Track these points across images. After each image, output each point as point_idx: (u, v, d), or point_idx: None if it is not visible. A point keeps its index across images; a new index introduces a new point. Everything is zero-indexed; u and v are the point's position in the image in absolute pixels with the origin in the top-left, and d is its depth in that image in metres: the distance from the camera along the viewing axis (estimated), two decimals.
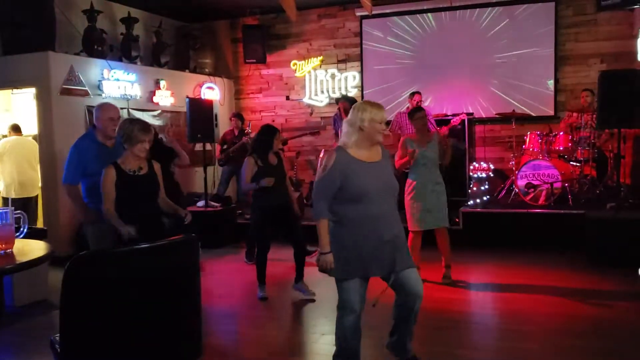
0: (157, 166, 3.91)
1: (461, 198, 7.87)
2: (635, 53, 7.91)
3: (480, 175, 7.77)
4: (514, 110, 8.29)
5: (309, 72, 10.19)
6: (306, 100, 10.27)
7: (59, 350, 2.40)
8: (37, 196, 7.38)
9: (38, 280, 5.30)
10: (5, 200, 6.92)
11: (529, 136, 7.92)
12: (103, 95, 7.78)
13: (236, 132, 9.01)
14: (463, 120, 8.31)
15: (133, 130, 3.68)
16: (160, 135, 5.54)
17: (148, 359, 2.34)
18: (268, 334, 4.47)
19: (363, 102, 3.34)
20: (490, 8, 9.07)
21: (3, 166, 7.28)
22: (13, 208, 2.91)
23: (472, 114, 8.89)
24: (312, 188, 9.68)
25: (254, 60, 10.17)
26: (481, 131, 9.07)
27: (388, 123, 8.64)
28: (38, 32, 7.11)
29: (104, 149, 4.16)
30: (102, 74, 7.81)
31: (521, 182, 7.46)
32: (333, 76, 10.07)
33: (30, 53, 7.05)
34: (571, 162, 7.74)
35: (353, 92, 9.79)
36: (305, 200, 8.86)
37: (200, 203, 8.17)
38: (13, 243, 2.91)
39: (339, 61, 10.06)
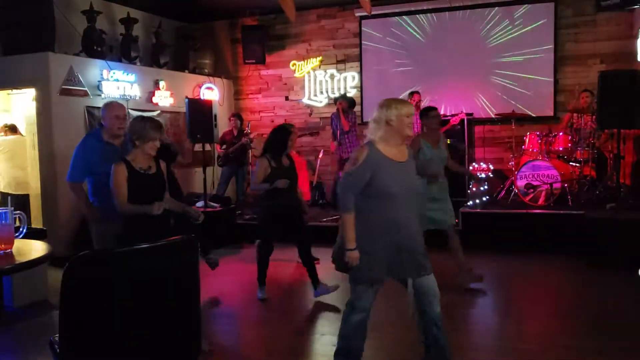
0: (163, 165, 3.91)
1: (461, 198, 7.86)
2: (635, 53, 7.91)
3: (479, 176, 7.77)
4: (513, 111, 8.29)
5: (308, 72, 10.20)
6: (305, 100, 10.27)
7: (58, 350, 2.40)
8: (28, 195, 7.38)
9: (37, 280, 5.29)
10: (4, 196, 6.92)
11: (528, 137, 7.93)
12: (102, 95, 7.78)
13: (235, 133, 9.01)
14: (462, 120, 8.31)
15: (145, 128, 3.65)
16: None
17: (147, 359, 2.34)
18: (267, 334, 4.47)
19: (387, 99, 3.30)
20: (489, 8, 9.08)
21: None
22: (12, 208, 2.90)
23: (471, 114, 8.89)
24: (311, 189, 9.68)
25: (254, 61, 10.17)
26: (481, 131, 9.07)
27: None
28: (38, 33, 7.11)
29: (111, 147, 4.15)
30: (102, 75, 7.81)
31: (521, 183, 7.45)
32: (332, 77, 10.07)
33: (30, 54, 7.05)
34: (571, 163, 7.74)
35: (352, 93, 9.79)
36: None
37: (200, 203, 8.16)
38: (12, 243, 2.91)
39: (338, 61, 10.06)
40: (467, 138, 8.55)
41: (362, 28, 9.85)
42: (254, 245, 7.13)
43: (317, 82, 10.17)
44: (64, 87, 7.26)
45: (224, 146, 8.89)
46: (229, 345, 4.31)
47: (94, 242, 4.17)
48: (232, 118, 9.16)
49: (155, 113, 8.78)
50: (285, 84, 10.43)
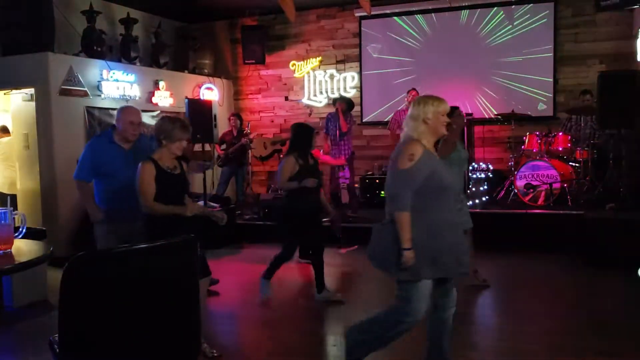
0: (185, 166, 3.89)
1: None
2: (635, 53, 7.91)
3: (479, 176, 7.77)
4: (513, 111, 8.30)
5: (308, 72, 10.20)
6: (305, 100, 10.27)
7: (57, 350, 2.40)
8: (15, 196, 7.40)
9: (37, 280, 5.29)
10: (3, 196, 6.93)
11: (528, 137, 7.93)
12: (102, 96, 7.79)
13: (235, 133, 9.01)
14: None
15: (174, 129, 3.63)
16: None
17: (146, 359, 2.34)
18: (267, 334, 4.47)
19: (424, 96, 3.25)
20: (489, 8, 9.08)
21: None
22: (12, 208, 2.90)
23: (471, 114, 8.89)
24: None
25: (253, 61, 10.17)
26: (480, 132, 9.07)
27: (386, 123, 8.70)
28: (37, 33, 7.10)
29: (120, 150, 4.14)
30: (101, 75, 7.81)
31: (520, 183, 7.46)
32: (332, 77, 10.08)
33: (30, 54, 7.05)
34: (570, 163, 7.74)
35: (352, 93, 9.80)
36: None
37: (199, 203, 8.15)
38: (12, 243, 2.91)
39: (338, 62, 10.06)
40: (467, 138, 8.54)
41: (362, 28, 9.85)
42: (253, 245, 7.14)
43: (317, 82, 10.17)
44: (63, 87, 7.25)
45: (224, 146, 8.89)
46: (229, 346, 4.31)
47: (97, 243, 4.16)
48: (231, 118, 9.16)
49: (154, 113, 8.78)
50: (285, 84, 10.43)
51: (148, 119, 8.49)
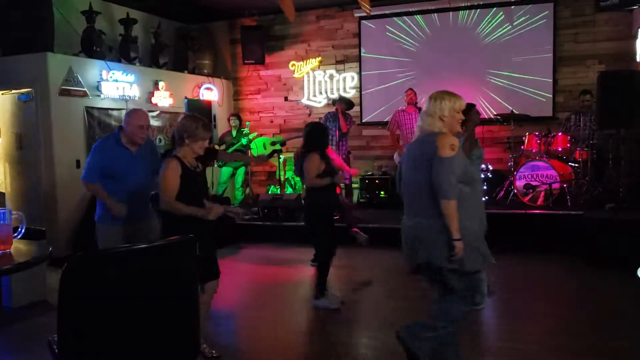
0: (202, 166, 3.90)
1: None
2: (634, 54, 7.91)
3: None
4: (512, 111, 8.30)
5: (308, 73, 10.20)
6: (304, 101, 10.28)
7: (56, 350, 2.39)
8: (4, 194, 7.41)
9: (36, 281, 5.29)
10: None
11: (527, 137, 7.93)
12: (102, 96, 7.79)
13: (234, 133, 9.02)
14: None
15: (198, 128, 3.62)
16: None
17: (146, 359, 2.34)
18: (266, 335, 4.47)
19: (440, 92, 3.22)
20: (488, 9, 9.08)
21: None
22: (10, 208, 2.90)
23: None
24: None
25: (253, 61, 10.17)
26: (480, 132, 9.05)
27: (386, 123, 8.70)
28: (36, 33, 7.10)
29: (128, 153, 4.14)
30: (101, 75, 7.81)
31: (520, 183, 7.46)
32: (331, 77, 10.08)
33: (29, 54, 7.05)
34: (570, 163, 7.75)
35: (351, 93, 9.80)
36: (303, 201, 8.85)
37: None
38: (11, 243, 2.91)
39: (338, 62, 10.06)
40: None
41: (362, 29, 9.86)
42: (252, 245, 7.13)
43: (317, 82, 10.18)
44: (63, 87, 7.25)
45: (223, 146, 8.89)
46: (229, 346, 4.31)
47: (99, 244, 4.15)
48: (231, 118, 9.17)
49: (154, 114, 8.79)
50: (285, 84, 10.43)
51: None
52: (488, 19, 9.11)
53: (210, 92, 10.00)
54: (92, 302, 2.17)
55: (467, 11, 9.20)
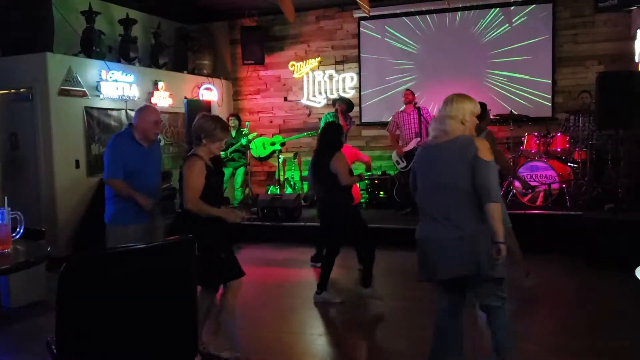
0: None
1: None
2: (633, 54, 7.92)
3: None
4: (511, 112, 8.30)
5: (307, 73, 10.20)
6: (304, 101, 10.28)
7: (55, 350, 2.39)
8: None
9: (35, 281, 5.28)
10: None
11: (526, 137, 7.93)
12: (101, 96, 7.79)
13: (233, 133, 9.01)
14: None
15: (216, 128, 3.58)
16: None
17: (144, 359, 2.34)
18: (264, 335, 4.47)
19: (458, 95, 3.20)
20: (488, 9, 9.08)
21: None
22: (9, 208, 2.90)
23: None
24: (309, 189, 9.63)
25: (252, 62, 10.17)
26: None
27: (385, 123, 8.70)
28: (36, 33, 7.10)
29: (141, 149, 4.16)
30: (101, 75, 7.81)
31: (519, 184, 7.46)
32: (331, 77, 10.08)
33: (28, 54, 7.05)
34: (569, 164, 7.75)
35: (351, 94, 9.80)
36: (303, 201, 8.86)
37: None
38: (9, 243, 2.90)
39: (337, 62, 10.07)
40: None
41: (361, 29, 9.86)
42: (251, 245, 7.12)
43: (316, 82, 10.18)
44: (62, 87, 7.25)
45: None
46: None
47: (108, 242, 4.14)
48: (230, 118, 9.17)
49: None
50: (284, 84, 10.43)
51: None
52: (487, 19, 9.11)
53: (210, 93, 10.00)
54: (91, 302, 2.17)
55: (467, 12, 9.21)
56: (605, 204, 6.74)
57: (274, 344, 4.26)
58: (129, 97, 8.26)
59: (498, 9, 9.03)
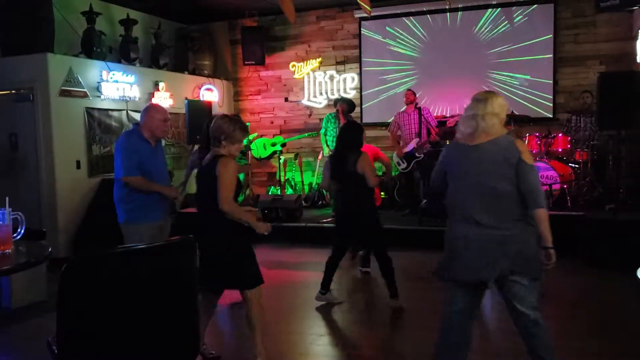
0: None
1: None
2: (634, 54, 7.92)
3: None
4: (512, 112, 8.29)
5: (308, 73, 10.20)
6: (305, 101, 10.28)
7: (56, 351, 2.39)
8: None
9: (36, 281, 5.29)
10: None
11: (527, 138, 7.92)
12: (102, 97, 7.78)
13: None
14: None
15: (235, 130, 3.50)
16: None
17: (145, 359, 2.33)
18: (266, 334, 4.45)
19: (491, 92, 3.13)
20: (489, 10, 9.08)
21: None
22: (10, 209, 2.90)
23: None
24: (310, 189, 9.66)
25: (253, 62, 10.17)
26: None
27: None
28: (36, 34, 7.10)
29: (149, 147, 4.18)
30: (101, 76, 7.81)
31: None
32: (332, 78, 10.08)
33: (29, 55, 7.05)
34: (570, 164, 7.74)
35: (352, 94, 9.80)
36: (303, 202, 8.86)
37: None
38: (10, 244, 2.90)
39: (338, 63, 10.07)
40: None
41: (362, 29, 9.86)
42: (254, 246, 7.09)
43: (317, 83, 10.18)
44: (63, 88, 7.25)
45: None
46: (228, 346, 4.31)
47: (126, 242, 4.13)
48: None
49: None
50: (285, 85, 10.43)
51: None
52: (488, 19, 9.11)
53: (211, 93, 10.00)
54: (91, 302, 2.16)
55: (468, 12, 9.20)
56: (607, 204, 6.74)
57: (275, 344, 4.25)
58: (130, 98, 8.26)
59: (499, 9, 9.03)
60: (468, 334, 3.25)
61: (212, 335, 4.21)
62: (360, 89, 9.90)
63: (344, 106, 7.99)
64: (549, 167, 7.28)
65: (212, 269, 3.48)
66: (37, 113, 7.13)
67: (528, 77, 8.88)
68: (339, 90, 10.00)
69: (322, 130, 8.22)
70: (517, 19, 8.95)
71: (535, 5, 8.84)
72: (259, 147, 9.58)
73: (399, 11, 9.54)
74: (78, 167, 7.42)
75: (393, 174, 9.06)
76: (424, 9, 9.41)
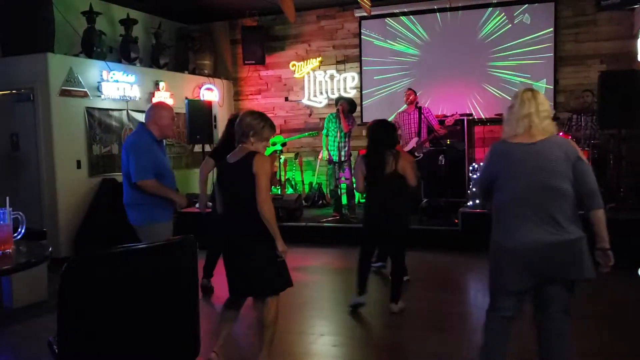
0: None
1: (460, 199, 7.87)
2: (635, 53, 7.91)
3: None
4: None
5: (308, 73, 10.20)
6: (305, 101, 10.27)
7: (56, 351, 2.39)
8: None
9: (37, 281, 5.29)
10: None
11: None
12: (102, 96, 7.79)
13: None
14: (461, 121, 8.31)
15: (265, 127, 3.39)
16: None
17: (146, 359, 2.33)
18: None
19: (535, 89, 3.02)
20: (489, 9, 9.08)
21: None
22: (11, 209, 2.90)
23: (471, 114, 8.89)
24: (310, 189, 9.65)
25: (253, 62, 10.17)
26: (480, 132, 9.06)
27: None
28: (37, 34, 7.11)
29: (159, 147, 4.12)
30: (102, 76, 7.81)
31: None
32: (332, 77, 10.08)
33: (29, 54, 7.05)
34: None
35: (352, 93, 9.80)
36: (304, 201, 8.86)
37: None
38: (11, 244, 2.90)
39: (338, 62, 10.06)
40: (467, 138, 8.54)
41: (362, 29, 9.85)
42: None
43: (317, 82, 10.17)
44: (63, 88, 7.26)
45: None
46: (228, 346, 4.30)
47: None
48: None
49: None
50: (285, 84, 10.43)
51: None
52: (489, 19, 9.10)
53: (211, 93, 10.00)
54: (92, 302, 2.16)
55: (468, 11, 9.20)
56: (607, 203, 6.71)
57: (275, 343, 4.24)
58: (130, 98, 8.26)
59: (499, 8, 9.02)
60: (509, 339, 3.20)
61: (210, 335, 4.21)
62: (360, 88, 9.90)
63: (345, 105, 7.98)
64: None
65: (244, 272, 3.39)
66: (38, 113, 7.13)
67: (529, 76, 8.87)
68: (339, 89, 9.99)
69: (324, 131, 8.20)
70: (518, 18, 8.94)
71: (536, 4, 8.83)
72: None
73: (399, 10, 9.53)
74: (78, 166, 7.43)
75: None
76: (425, 8, 9.40)
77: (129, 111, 8.26)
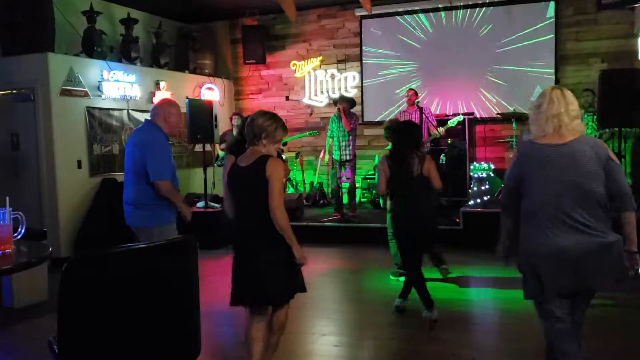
0: None
1: (462, 198, 7.86)
2: (636, 52, 7.90)
3: (480, 175, 7.75)
4: (514, 110, 8.28)
5: (309, 72, 10.19)
6: (306, 100, 10.27)
7: (57, 351, 2.39)
8: None
9: (37, 281, 5.29)
10: None
11: None
12: (103, 96, 7.78)
13: (235, 132, 9.00)
14: (463, 120, 8.30)
15: (278, 128, 3.26)
16: None
17: (146, 359, 2.33)
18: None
19: (561, 88, 2.93)
20: (490, 7, 9.06)
21: None
22: (11, 209, 2.89)
23: (472, 113, 8.88)
24: (311, 188, 9.64)
25: (254, 61, 10.17)
26: (481, 131, 9.06)
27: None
28: (37, 33, 7.10)
29: (169, 146, 4.07)
30: (102, 75, 7.81)
31: None
32: (333, 76, 10.07)
33: (30, 54, 7.05)
34: None
35: (353, 92, 9.79)
36: (305, 201, 8.85)
37: (200, 204, 8.16)
38: (11, 244, 2.90)
39: (339, 61, 10.06)
40: (468, 137, 8.53)
41: (363, 28, 9.84)
42: None
43: (318, 82, 10.17)
44: (64, 87, 7.25)
45: (223, 145, 8.88)
46: (228, 346, 4.30)
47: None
48: (233, 117, 9.14)
49: None
50: (286, 84, 10.42)
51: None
52: (490, 17, 9.09)
53: (212, 92, 10.00)
54: (92, 302, 2.16)
55: (469, 10, 9.19)
56: None
57: None
58: (131, 97, 8.26)
59: (501, 7, 9.00)
60: (579, 340, 3.11)
61: (212, 335, 4.21)
62: (361, 87, 9.89)
63: (345, 105, 7.97)
64: None
65: (255, 278, 3.32)
66: (38, 113, 7.13)
67: (529, 76, 8.86)
68: (340, 88, 9.98)
69: (329, 133, 8.17)
70: (519, 16, 8.92)
71: (537, 3, 8.82)
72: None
73: (400, 9, 9.52)
74: (79, 166, 7.42)
75: None
76: (425, 7, 9.39)
77: (130, 111, 8.25)
